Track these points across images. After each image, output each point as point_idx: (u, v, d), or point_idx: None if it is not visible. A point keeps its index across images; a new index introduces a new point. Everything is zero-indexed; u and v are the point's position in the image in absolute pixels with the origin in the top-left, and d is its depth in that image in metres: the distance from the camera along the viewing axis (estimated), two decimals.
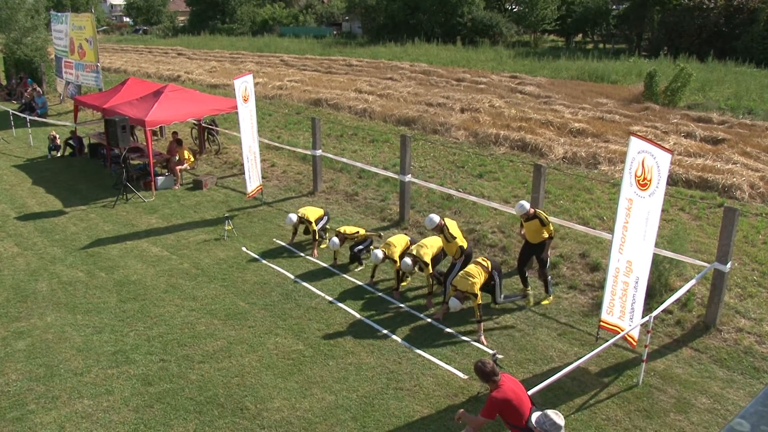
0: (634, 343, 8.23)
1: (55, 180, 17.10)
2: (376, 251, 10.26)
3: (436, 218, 9.50)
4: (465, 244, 9.64)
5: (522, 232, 9.90)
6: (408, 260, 9.86)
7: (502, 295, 9.22)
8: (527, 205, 9.52)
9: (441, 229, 9.52)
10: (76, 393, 7.86)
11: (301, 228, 12.29)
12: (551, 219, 10.88)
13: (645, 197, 7.64)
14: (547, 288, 9.87)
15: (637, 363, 8.11)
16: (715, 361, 8.27)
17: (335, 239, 11.10)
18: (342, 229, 11.29)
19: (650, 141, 7.62)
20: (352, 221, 13.20)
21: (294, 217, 11.88)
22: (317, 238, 11.88)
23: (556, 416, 5.04)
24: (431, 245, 9.89)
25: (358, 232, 11.27)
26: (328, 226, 12.32)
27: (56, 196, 15.66)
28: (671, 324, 9.08)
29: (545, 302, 9.76)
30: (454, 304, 8.86)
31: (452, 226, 9.66)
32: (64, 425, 7.29)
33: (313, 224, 11.81)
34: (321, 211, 12.14)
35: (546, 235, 9.54)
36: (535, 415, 5.14)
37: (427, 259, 9.76)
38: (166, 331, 9.25)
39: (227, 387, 7.92)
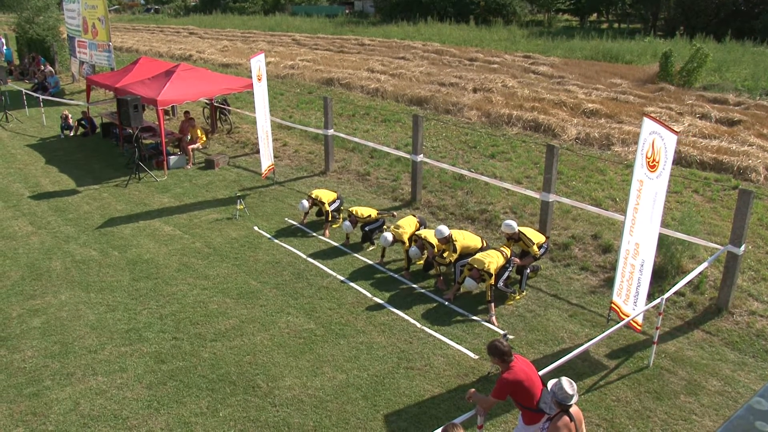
0: (639, 328, 8.21)
1: (68, 159, 17.20)
2: (386, 234, 10.29)
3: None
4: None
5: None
6: (415, 248, 9.92)
7: (503, 282, 9.17)
8: (515, 226, 9.41)
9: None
10: (91, 370, 7.97)
11: (314, 210, 12.32)
12: (564, 200, 10.85)
13: (653, 179, 7.59)
14: (520, 283, 9.56)
15: (648, 345, 8.09)
16: (727, 343, 8.23)
17: (348, 223, 11.11)
18: (354, 210, 11.28)
19: (659, 121, 7.55)
20: (363, 201, 13.20)
21: (306, 203, 11.90)
22: (330, 219, 11.90)
23: (569, 384, 5.06)
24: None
25: (370, 215, 11.25)
26: (341, 208, 12.34)
27: (69, 176, 15.76)
28: (683, 306, 9.04)
29: (511, 302, 9.34)
30: (470, 284, 8.88)
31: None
32: (79, 401, 7.40)
33: (326, 205, 11.83)
34: (334, 195, 12.14)
35: (529, 254, 9.47)
36: (551, 382, 5.17)
37: (434, 242, 9.77)
38: (178, 309, 9.34)
39: (239, 365, 7.99)
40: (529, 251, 9.46)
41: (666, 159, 7.49)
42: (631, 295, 8.05)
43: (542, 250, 9.57)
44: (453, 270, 9.77)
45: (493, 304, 8.90)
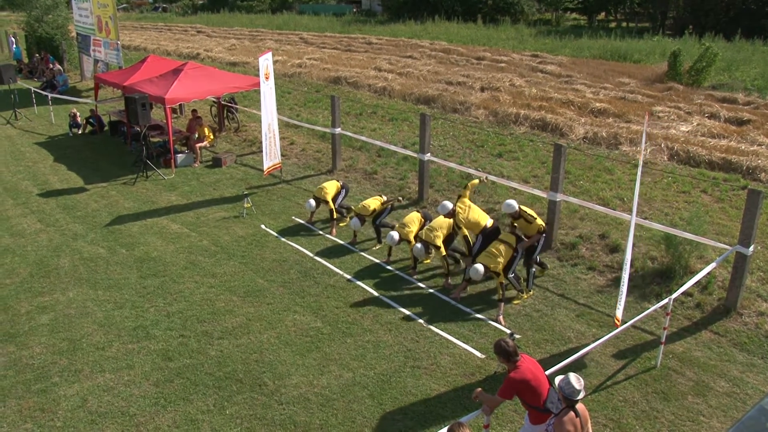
0: (618, 323, 8.05)
1: (76, 157, 17.27)
2: (392, 233, 10.29)
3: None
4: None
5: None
6: (419, 245, 9.90)
7: (512, 274, 9.14)
8: (515, 205, 9.28)
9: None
10: (98, 367, 8.00)
11: (324, 208, 12.28)
12: (571, 200, 10.81)
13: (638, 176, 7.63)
14: (528, 282, 9.52)
15: (655, 345, 8.06)
16: (735, 344, 8.19)
17: (356, 220, 11.12)
18: (359, 208, 11.28)
19: (648, 116, 7.54)
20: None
21: (313, 202, 11.92)
22: (335, 216, 11.91)
23: (576, 380, 5.05)
24: (441, 227, 9.81)
25: (375, 209, 11.23)
26: (351, 206, 12.28)
27: (77, 174, 15.82)
28: (691, 306, 9.00)
29: (518, 301, 9.34)
30: (475, 273, 8.82)
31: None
32: (87, 398, 7.44)
33: (331, 203, 11.84)
34: (337, 185, 12.12)
35: (534, 230, 9.34)
36: (558, 377, 5.17)
37: (439, 242, 9.72)
38: (185, 307, 9.37)
39: (246, 363, 8.01)
40: (530, 227, 9.28)
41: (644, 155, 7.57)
42: (620, 294, 7.94)
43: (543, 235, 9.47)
44: (462, 268, 9.72)
45: (502, 303, 8.89)
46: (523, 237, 9.28)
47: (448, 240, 9.88)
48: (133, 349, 8.38)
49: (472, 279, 9.06)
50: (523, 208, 9.45)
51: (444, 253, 9.77)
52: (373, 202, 11.32)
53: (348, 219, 12.07)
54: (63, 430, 6.97)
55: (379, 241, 11.27)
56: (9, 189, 14.80)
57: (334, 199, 11.96)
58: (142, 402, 7.36)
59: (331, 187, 12.02)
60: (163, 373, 7.87)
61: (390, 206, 11.48)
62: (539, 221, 9.35)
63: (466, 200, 9.68)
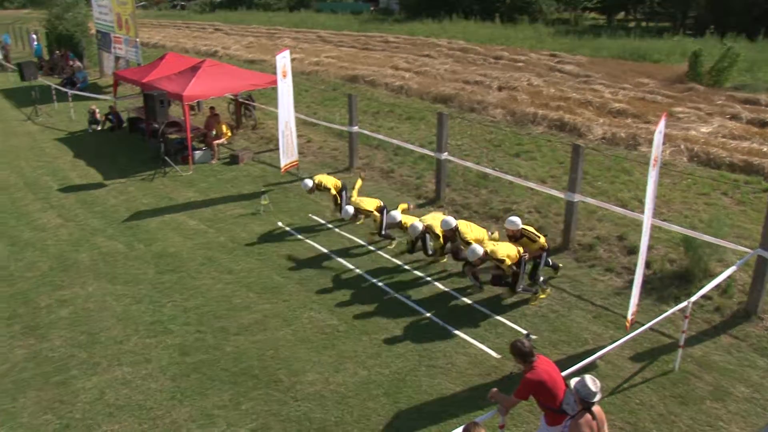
0: (628, 325, 7.99)
1: (95, 153, 17.44)
2: (393, 213, 10.56)
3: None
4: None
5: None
6: (417, 224, 10.00)
7: (521, 286, 9.07)
8: (519, 223, 9.23)
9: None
10: (116, 360, 8.08)
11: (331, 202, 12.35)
12: (589, 200, 10.74)
13: (653, 176, 7.51)
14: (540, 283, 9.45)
15: (673, 348, 7.98)
16: (756, 349, 8.08)
17: (349, 208, 11.12)
18: (354, 202, 11.31)
19: (665, 118, 7.43)
20: (387, 198, 13.12)
21: (309, 182, 11.97)
22: (338, 203, 12.05)
23: (592, 382, 5.02)
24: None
25: (372, 211, 11.18)
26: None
27: (96, 169, 15.98)
28: (710, 310, 8.90)
29: (535, 302, 9.27)
30: (472, 253, 8.84)
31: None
32: (105, 391, 7.51)
33: (333, 190, 11.99)
34: (336, 182, 12.18)
35: (537, 248, 9.26)
36: (574, 380, 5.13)
37: (439, 231, 9.87)
38: (202, 303, 9.43)
39: (262, 359, 8.04)
40: (535, 245, 9.26)
41: (657, 154, 7.46)
42: (632, 296, 7.85)
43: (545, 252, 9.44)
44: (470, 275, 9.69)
45: (508, 288, 9.05)
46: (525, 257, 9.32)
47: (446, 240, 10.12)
48: (150, 343, 8.45)
49: (468, 261, 9.12)
50: (526, 227, 9.40)
51: (442, 243, 9.99)
52: (369, 204, 11.24)
53: (362, 218, 11.94)
54: (81, 422, 7.06)
55: (393, 238, 11.23)
56: (30, 184, 14.99)
57: (339, 194, 12.03)
58: (158, 396, 7.42)
59: (329, 181, 12.10)
60: (180, 367, 7.93)
61: (384, 207, 11.39)
62: (542, 240, 9.27)
63: (464, 221, 9.93)
